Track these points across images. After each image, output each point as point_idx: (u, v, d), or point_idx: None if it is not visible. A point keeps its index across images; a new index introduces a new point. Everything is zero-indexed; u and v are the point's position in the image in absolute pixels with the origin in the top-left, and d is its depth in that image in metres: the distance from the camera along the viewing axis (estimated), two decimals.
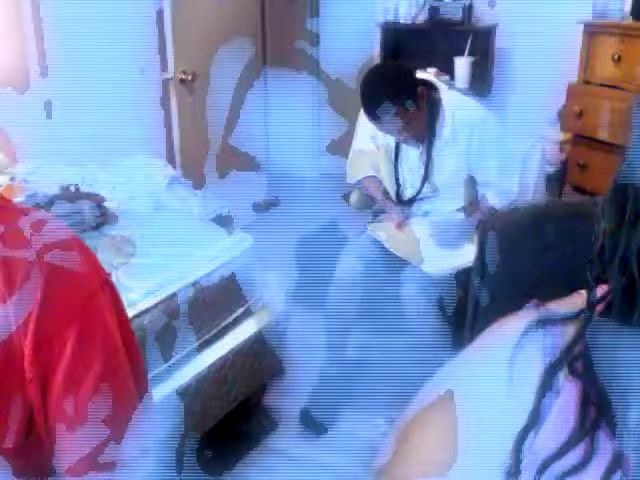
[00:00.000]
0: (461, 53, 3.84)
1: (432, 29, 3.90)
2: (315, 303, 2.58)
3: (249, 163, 3.90)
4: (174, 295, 2.02)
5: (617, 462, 0.59)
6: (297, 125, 4.20)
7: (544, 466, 0.60)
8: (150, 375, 1.85)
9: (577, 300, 0.66)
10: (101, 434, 0.79)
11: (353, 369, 2.49)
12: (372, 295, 2.38)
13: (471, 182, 2.38)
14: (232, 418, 2.22)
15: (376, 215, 2.63)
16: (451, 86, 3.63)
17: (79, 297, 0.76)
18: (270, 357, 2.38)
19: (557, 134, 3.60)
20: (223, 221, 2.57)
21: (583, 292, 0.66)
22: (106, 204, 2.47)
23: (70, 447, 0.78)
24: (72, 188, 2.53)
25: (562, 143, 3.61)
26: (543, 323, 0.66)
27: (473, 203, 2.39)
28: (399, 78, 2.22)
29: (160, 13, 3.24)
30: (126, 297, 1.80)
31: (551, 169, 3.53)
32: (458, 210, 2.42)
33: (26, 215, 0.79)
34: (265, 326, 2.35)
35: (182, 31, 3.32)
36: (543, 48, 3.41)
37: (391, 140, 2.40)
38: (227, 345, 2.22)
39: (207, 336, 2.17)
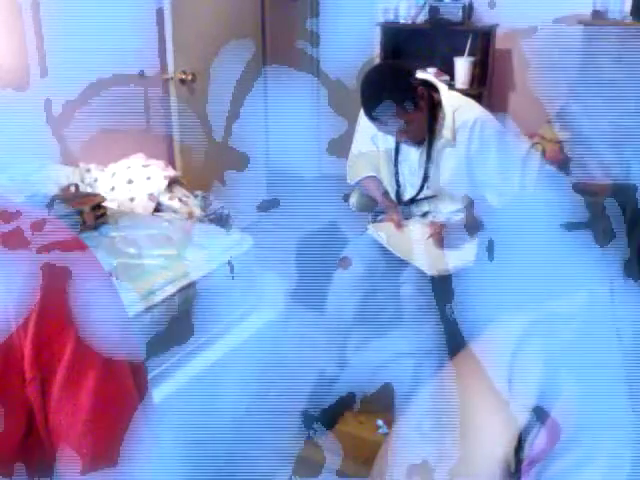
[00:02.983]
0: (461, 53, 3.85)
1: (432, 29, 3.90)
2: (315, 303, 2.58)
3: (249, 163, 3.90)
4: (174, 295, 2.02)
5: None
6: (297, 125, 4.20)
7: (544, 466, 0.60)
8: (150, 375, 1.85)
9: (577, 299, 0.66)
10: (101, 435, 0.79)
11: (353, 369, 2.49)
12: (372, 295, 2.38)
13: (470, 185, 2.38)
14: None
15: (376, 215, 2.63)
16: (451, 86, 3.63)
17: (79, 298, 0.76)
18: (270, 357, 2.38)
19: (557, 134, 3.60)
20: (223, 221, 2.58)
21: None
22: (106, 204, 2.47)
23: (70, 447, 0.78)
24: (72, 188, 2.53)
25: (562, 143, 3.61)
26: (543, 323, 0.66)
27: (469, 211, 2.39)
28: (399, 78, 2.22)
29: (160, 13, 3.25)
30: (126, 297, 1.80)
31: (551, 169, 3.52)
32: (458, 211, 2.42)
33: (26, 215, 0.78)
34: (265, 326, 2.35)
35: (182, 31, 3.32)
36: (543, 48, 3.41)
37: (391, 140, 2.40)
38: (227, 345, 2.22)
39: (207, 336, 2.17)
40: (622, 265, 0.62)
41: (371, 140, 2.48)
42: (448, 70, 3.92)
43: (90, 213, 2.34)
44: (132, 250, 2.18)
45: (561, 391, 0.62)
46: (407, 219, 2.46)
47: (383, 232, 2.44)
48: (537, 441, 0.62)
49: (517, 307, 0.67)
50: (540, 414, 0.62)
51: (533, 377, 0.63)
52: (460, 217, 2.42)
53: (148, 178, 2.88)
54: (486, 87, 3.88)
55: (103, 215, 2.41)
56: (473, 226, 2.36)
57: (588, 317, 0.64)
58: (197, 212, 2.85)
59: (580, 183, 3.04)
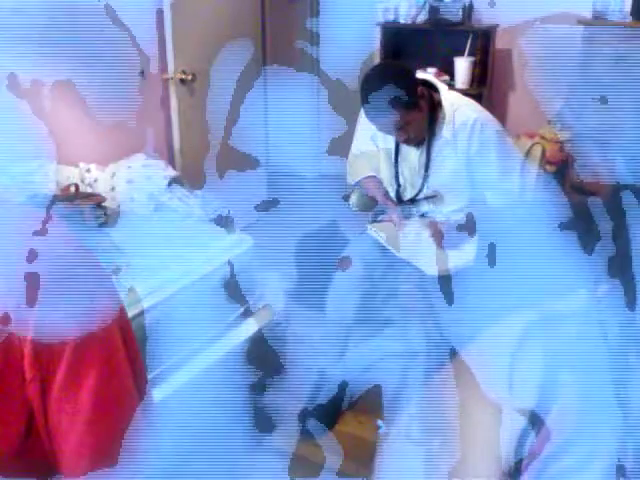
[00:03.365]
0: (461, 53, 3.84)
1: (432, 29, 3.90)
2: (315, 303, 2.58)
3: (249, 163, 3.90)
4: (174, 295, 2.03)
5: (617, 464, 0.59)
6: (297, 125, 4.21)
7: (543, 466, 0.60)
8: (150, 375, 1.85)
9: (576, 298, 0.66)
10: (101, 435, 0.79)
11: (352, 369, 2.49)
12: (372, 295, 2.38)
13: (470, 185, 2.38)
14: None
15: (376, 215, 2.63)
16: (451, 86, 3.63)
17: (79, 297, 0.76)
18: (270, 357, 2.39)
19: (557, 134, 3.60)
20: (223, 221, 2.58)
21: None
22: (106, 204, 2.48)
23: (70, 447, 0.78)
24: (72, 188, 2.54)
25: (562, 143, 3.61)
26: (542, 323, 0.66)
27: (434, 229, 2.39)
28: (399, 78, 2.22)
29: (160, 13, 3.25)
30: (126, 297, 1.80)
31: (551, 169, 3.53)
32: (458, 211, 2.42)
33: (26, 215, 0.79)
34: (265, 326, 2.35)
35: (182, 31, 3.32)
36: (543, 48, 3.41)
37: (391, 140, 2.40)
38: (227, 345, 2.22)
39: (207, 336, 2.17)
40: (606, 265, 0.62)
41: (371, 140, 2.48)
42: (448, 70, 3.92)
43: (90, 213, 2.34)
44: (132, 250, 2.18)
45: (555, 393, 0.63)
46: (407, 219, 2.46)
47: (383, 232, 2.44)
48: (537, 440, 0.62)
49: (513, 309, 0.68)
50: (535, 417, 0.62)
51: (530, 379, 0.63)
52: (460, 217, 2.42)
53: (148, 178, 2.88)
54: (486, 87, 3.88)
55: (103, 215, 2.41)
56: (470, 228, 2.36)
57: (578, 320, 0.64)
58: (197, 212, 2.85)
59: (579, 182, 3.05)
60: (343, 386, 2.39)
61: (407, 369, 2.26)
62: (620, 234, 0.61)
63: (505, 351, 0.65)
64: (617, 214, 0.62)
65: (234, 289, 2.24)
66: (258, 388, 2.34)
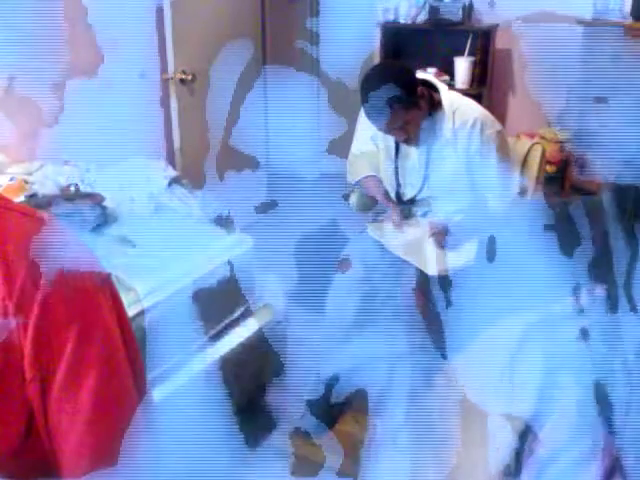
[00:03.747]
0: (461, 53, 3.85)
1: (432, 29, 3.90)
2: (315, 304, 2.58)
3: (249, 163, 3.90)
4: (174, 295, 2.03)
5: (616, 464, 0.59)
6: (297, 125, 4.20)
7: (544, 466, 0.61)
8: (150, 376, 1.85)
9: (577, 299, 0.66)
10: (101, 435, 0.79)
11: (352, 370, 2.49)
12: (372, 296, 2.38)
13: (470, 185, 2.38)
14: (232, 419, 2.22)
15: (376, 215, 2.63)
16: (451, 86, 3.63)
17: (79, 297, 0.76)
18: (270, 357, 2.39)
19: (557, 134, 3.60)
20: (223, 222, 2.58)
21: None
22: (106, 204, 2.47)
23: (70, 447, 0.78)
24: (72, 188, 2.53)
25: (562, 143, 3.61)
26: (543, 324, 0.66)
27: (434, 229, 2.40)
28: (399, 78, 2.22)
29: (160, 13, 3.25)
30: (126, 297, 1.80)
31: (551, 169, 3.53)
32: (458, 211, 2.42)
33: (26, 215, 0.79)
34: (265, 326, 2.35)
35: (182, 31, 3.32)
36: (543, 48, 3.41)
37: (391, 140, 2.40)
38: (227, 346, 2.22)
39: (207, 337, 2.17)
40: (587, 268, 0.62)
41: (371, 139, 2.48)
42: (448, 70, 3.92)
43: (90, 213, 2.34)
44: (132, 250, 2.18)
45: (549, 402, 0.63)
46: (407, 219, 2.46)
47: (383, 232, 2.44)
48: (538, 440, 0.62)
49: (512, 310, 0.68)
50: (527, 424, 0.62)
51: (525, 386, 0.63)
52: (460, 217, 2.42)
53: (148, 178, 2.88)
54: (486, 87, 3.89)
55: (103, 215, 2.41)
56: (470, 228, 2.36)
57: (573, 323, 0.64)
58: (197, 213, 2.84)
59: (578, 182, 3.06)
60: (330, 384, 2.39)
61: (403, 371, 2.26)
62: (606, 236, 0.61)
63: (500, 359, 0.65)
64: (604, 215, 0.62)
65: (234, 289, 2.24)
66: (258, 389, 2.35)
